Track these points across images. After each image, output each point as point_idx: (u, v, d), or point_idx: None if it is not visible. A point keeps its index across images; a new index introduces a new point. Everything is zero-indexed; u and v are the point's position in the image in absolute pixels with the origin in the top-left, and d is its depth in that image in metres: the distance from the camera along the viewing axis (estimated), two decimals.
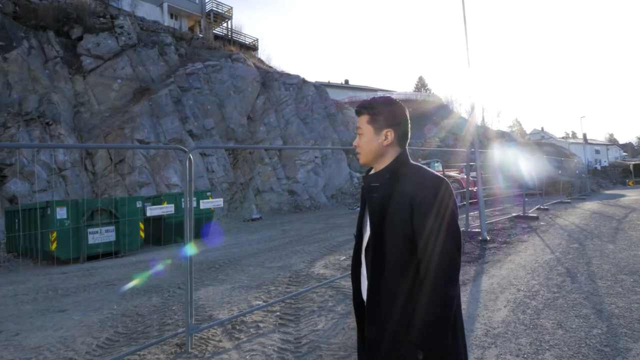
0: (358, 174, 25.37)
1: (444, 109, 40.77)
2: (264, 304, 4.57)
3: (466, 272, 5.53)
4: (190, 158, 3.31)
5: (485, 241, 7.63)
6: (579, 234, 8.13)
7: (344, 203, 22.05)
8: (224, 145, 14.55)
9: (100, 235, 9.45)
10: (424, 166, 1.48)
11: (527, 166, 17.20)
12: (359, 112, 1.55)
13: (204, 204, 9.81)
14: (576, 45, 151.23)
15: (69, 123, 16.49)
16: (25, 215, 9.93)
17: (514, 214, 11.01)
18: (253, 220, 17.59)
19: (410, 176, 1.41)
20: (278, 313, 4.32)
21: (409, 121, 1.55)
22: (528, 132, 65.97)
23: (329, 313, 4.24)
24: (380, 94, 43.02)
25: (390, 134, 1.48)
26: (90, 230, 9.28)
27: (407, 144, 1.54)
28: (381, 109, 1.50)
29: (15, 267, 9.49)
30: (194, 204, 11.53)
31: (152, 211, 5.23)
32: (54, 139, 15.44)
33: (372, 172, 1.54)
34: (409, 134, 1.55)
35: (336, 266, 6.45)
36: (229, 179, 19.58)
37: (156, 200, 11.65)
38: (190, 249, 3.58)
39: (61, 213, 8.89)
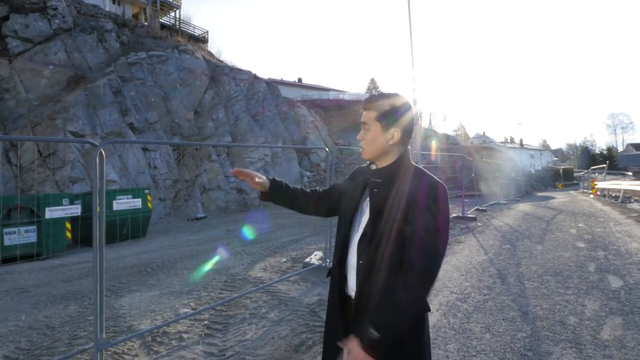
0: (309, 173, 25.28)
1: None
2: (192, 312, 4.27)
3: None
4: (101, 153, 2.96)
5: None
6: (511, 235, 8.51)
7: None
8: (144, 140, 13.80)
9: (19, 235, 8.56)
10: (423, 168, 1.51)
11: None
12: (367, 107, 1.52)
13: (117, 205, 9.21)
14: (515, 55, 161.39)
15: None
16: None
17: (453, 215, 11.38)
18: (197, 219, 16.92)
19: (410, 176, 1.43)
20: (206, 322, 4.04)
21: (413, 121, 1.55)
22: (471, 135, 69.38)
23: (260, 320, 4.02)
24: (332, 94, 43.27)
25: (397, 134, 1.48)
26: (6, 230, 8.37)
27: (409, 143, 1.56)
28: (391, 107, 1.48)
29: None
30: (137, 202, 10.87)
31: (52, 213, 4.73)
32: None
33: (373, 167, 1.55)
34: (412, 133, 1.55)
35: (275, 269, 6.24)
36: (173, 176, 18.72)
37: (88, 197, 10.79)
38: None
39: None
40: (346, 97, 41.91)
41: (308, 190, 1.81)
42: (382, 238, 1.40)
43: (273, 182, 1.73)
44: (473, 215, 11.38)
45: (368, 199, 1.49)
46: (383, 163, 1.52)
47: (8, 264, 8.26)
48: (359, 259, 1.45)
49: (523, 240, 7.81)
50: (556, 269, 5.45)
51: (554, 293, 4.43)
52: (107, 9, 23.16)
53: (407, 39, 9.71)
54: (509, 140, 77.60)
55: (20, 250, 8.48)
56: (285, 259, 6.90)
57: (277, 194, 1.74)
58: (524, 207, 15.22)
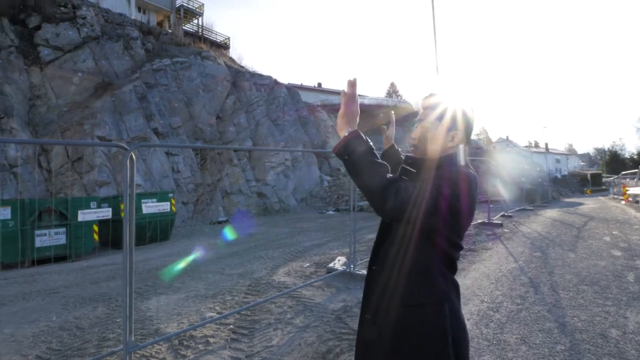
0: (328, 178, 25.23)
1: (414, 115, 41.41)
2: (217, 316, 4.26)
3: None
4: (132, 157, 2.98)
5: None
6: (541, 242, 8.24)
7: (313, 207, 21.84)
8: (171, 144, 14.05)
9: (49, 237, 8.78)
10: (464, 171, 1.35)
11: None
12: (429, 105, 1.45)
13: (147, 208, 9.31)
14: (541, 58, 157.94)
15: (22, 117, 15.49)
16: None
17: (479, 221, 11.11)
18: (219, 222, 17.08)
19: (441, 172, 1.33)
20: (231, 326, 4.02)
21: (472, 126, 1.50)
22: (494, 140, 68.06)
23: (286, 326, 3.98)
24: None
25: (457, 137, 1.41)
26: (37, 232, 8.61)
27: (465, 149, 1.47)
28: (456, 107, 1.42)
29: None
30: (165, 206, 11.02)
31: (85, 216, 4.82)
32: (6, 133, 14.42)
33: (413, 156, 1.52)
34: (470, 140, 1.51)
35: (299, 274, 6.20)
36: (196, 179, 18.97)
37: (114, 201, 11.02)
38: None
39: (5, 213, 8.19)
40: (366, 101, 41.72)
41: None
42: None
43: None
44: (499, 222, 11.09)
45: None
46: (432, 164, 1.44)
47: (39, 266, 8.50)
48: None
49: (554, 247, 7.54)
50: (592, 278, 5.22)
51: (592, 304, 4.23)
52: (132, 17, 23.79)
53: (427, 43, 9.56)
54: (533, 145, 75.78)
55: (50, 251, 8.71)
56: (308, 264, 6.85)
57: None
58: (552, 213, 14.76)
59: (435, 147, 1.43)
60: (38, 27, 17.42)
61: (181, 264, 6.02)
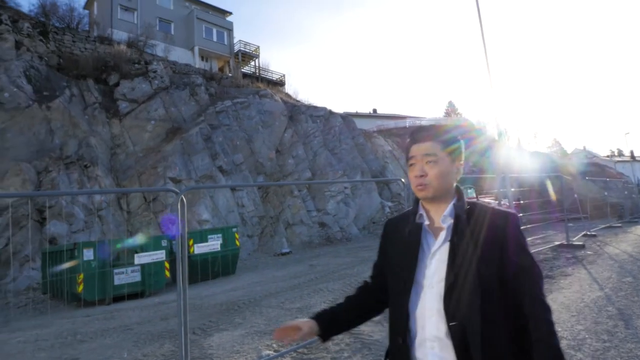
0: (390, 203, 24.74)
1: (475, 133, 39.78)
2: (274, 354, 4.23)
3: None
4: (182, 200, 3.13)
5: None
6: (632, 264, 7.28)
7: (376, 234, 21.42)
8: (221, 185, 14.63)
9: (126, 275, 9.47)
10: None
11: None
12: (428, 138, 1.32)
13: (199, 248, 9.74)
14: (617, 59, 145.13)
15: (105, 165, 17.22)
16: (57, 257, 10.17)
17: (556, 243, 10.13)
18: (283, 254, 17.34)
19: (486, 212, 1.28)
20: None
21: None
22: (569, 152, 62.82)
23: None
24: (409, 120, 42.63)
25: (461, 167, 1.36)
26: (115, 270, 9.32)
27: None
28: (456, 137, 1.35)
29: (46, 310, 9.64)
30: (227, 242, 11.48)
31: (140, 259, 5.10)
32: (92, 180, 16.07)
33: (431, 208, 1.34)
34: None
35: None
36: (259, 212, 19.60)
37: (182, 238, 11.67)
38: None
39: (88, 254, 9.01)
40: (424, 123, 40.98)
41: (358, 291, 1.60)
42: (477, 289, 1.18)
43: (318, 317, 1.47)
44: (580, 243, 10.02)
45: (439, 247, 1.28)
46: (445, 201, 1.32)
47: (118, 302, 9.15)
48: (449, 321, 1.19)
49: None
50: None
51: None
52: (197, 65, 25.89)
53: (483, 55, 9.22)
54: (616, 154, 68.77)
55: (127, 289, 9.36)
56: None
57: (334, 324, 1.50)
58: None
59: (445, 182, 1.31)
60: (117, 84, 19.56)
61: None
